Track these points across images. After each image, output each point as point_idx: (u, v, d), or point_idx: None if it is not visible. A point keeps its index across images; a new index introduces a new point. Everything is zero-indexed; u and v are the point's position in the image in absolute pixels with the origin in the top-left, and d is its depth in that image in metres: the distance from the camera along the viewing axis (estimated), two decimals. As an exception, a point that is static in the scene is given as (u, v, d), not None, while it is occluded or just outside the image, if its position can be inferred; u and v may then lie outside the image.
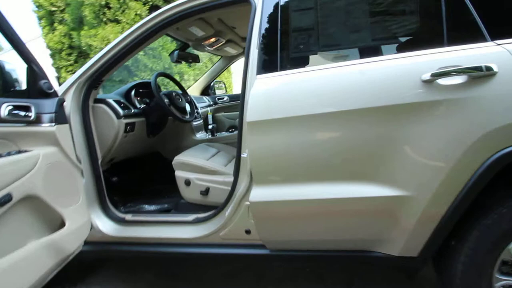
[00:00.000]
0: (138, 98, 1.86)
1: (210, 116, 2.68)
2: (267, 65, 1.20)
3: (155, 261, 1.91)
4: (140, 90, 1.88)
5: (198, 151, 1.84)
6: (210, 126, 2.26)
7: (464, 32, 1.06)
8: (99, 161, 1.58)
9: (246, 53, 1.28)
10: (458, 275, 1.12)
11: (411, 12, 1.11)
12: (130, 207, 1.79)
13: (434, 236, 1.12)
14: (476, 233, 1.06)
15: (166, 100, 1.76)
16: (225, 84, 3.16)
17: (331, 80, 1.10)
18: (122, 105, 1.67)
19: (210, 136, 2.29)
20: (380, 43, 1.15)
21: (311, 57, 1.20)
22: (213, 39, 2.04)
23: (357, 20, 1.14)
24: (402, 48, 1.13)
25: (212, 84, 2.95)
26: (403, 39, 1.15)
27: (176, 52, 2.03)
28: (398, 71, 1.06)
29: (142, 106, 1.83)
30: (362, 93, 1.06)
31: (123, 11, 5.77)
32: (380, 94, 1.05)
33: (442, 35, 1.05)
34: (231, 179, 1.56)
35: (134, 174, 2.08)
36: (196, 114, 2.13)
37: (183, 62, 2.20)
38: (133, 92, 1.82)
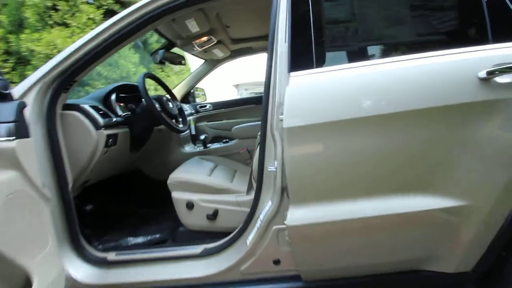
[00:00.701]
0: (121, 104, 1.51)
1: (193, 126, 2.38)
2: (301, 60, 1.01)
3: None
4: (121, 95, 1.53)
5: (195, 166, 1.55)
6: (202, 137, 1.97)
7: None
8: (69, 186, 1.20)
9: (270, 47, 1.08)
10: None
11: (459, 6, 1.03)
12: (110, 242, 1.41)
13: (491, 247, 1.01)
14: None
15: (157, 106, 1.45)
16: (204, 92, 2.88)
17: (383, 78, 0.94)
18: (101, 112, 1.32)
19: (201, 148, 2.00)
20: (426, 38, 1.04)
21: (351, 52, 1.04)
22: (205, 38, 1.79)
23: (403, 12, 1.02)
24: (450, 44, 1.03)
25: (192, 91, 2.65)
26: (451, 35, 1.06)
27: (161, 51, 1.73)
28: (453, 68, 0.96)
29: (125, 113, 1.48)
30: (421, 92, 0.92)
31: (73, 14, 5.21)
32: (440, 93, 0.93)
33: (488, 31, 0.98)
34: (245, 198, 1.32)
35: (111, 199, 1.69)
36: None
37: (166, 64, 1.91)
38: (113, 97, 1.47)
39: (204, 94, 2.86)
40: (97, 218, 1.49)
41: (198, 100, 2.80)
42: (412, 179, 0.97)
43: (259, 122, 2.15)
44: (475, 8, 1.02)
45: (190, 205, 1.31)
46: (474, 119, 0.94)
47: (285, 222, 1.00)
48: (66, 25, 5.07)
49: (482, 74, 0.92)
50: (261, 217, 1.12)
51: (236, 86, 13.33)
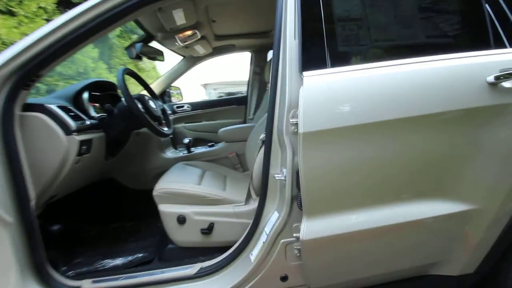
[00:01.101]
0: (96, 104, 1.29)
1: (170, 128, 2.18)
2: (315, 59, 0.93)
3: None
4: (93, 93, 1.31)
5: (181, 175, 1.40)
6: (186, 140, 1.79)
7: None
8: (32, 204, 0.98)
9: (276, 45, 0.98)
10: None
11: (469, 11, 1.02)
12: (83, 266, 1.20)
13: (493, 249, 1.04)
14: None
15: (140, 106, 1.26)
16: (181, 91, 2.68)
17: (402, 80, 0.90)
18: (71, 114, 1.11)
19: (185, 152, 1.82)
20: (436, 41, 1.02)
21: (370, 51, 0.98)
22: (189, 32, 1.63)
23: (416, 13, 0.99)
24: (459, 47, 1.02)
25: (168, 90, 2.45)
26: (461, 38, 1.05)
27: (139, 45, 1.53)
28: (463, 72, 0.95)
29: (100, 115, 1.27)
30: (436, 95, 0.90)
31: (21, 1, 4.64)
32: (452, 97, 0.91)
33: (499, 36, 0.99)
34: (244, 208, 1.21)
35: (81, 214, 1.46)
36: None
37: (143, 59, 1.70)
38: (86, 96, 1.25)
39: (180, 94, 2.67)
40: (65, 239, 1.26)
41: (173, 100, 2.60)
42: (428, 184, 0.95)
43: (248, 124, 2.07)
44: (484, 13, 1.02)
45: (181, 219, 1.16)
46: (484, 123, 0.94)
47: (300, 236, 0.91)
48: (11, 13, 4.48)
49: (491, 78, 0.92)
50: (267, 230, 1.02)
51: (205, 85, 12.99)
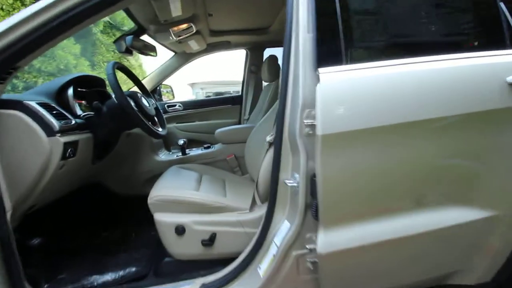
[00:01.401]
0: (82, 102, 1.16)
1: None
2: (332, 54, 0.85)
3: None
4: (79, 89, 1.17)
5: (177, 179, 1.28)
6: (180, 142, 1.67)
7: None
8: (7, 215, 0.85)
9: (287, 39, 0.89)
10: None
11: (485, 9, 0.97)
12: (67, 284, 1.07)
13: (511, 257, 1.00)
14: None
15: (132, 104, 1.13)
16: (172, 89, 2.55)
17: (424, 79, 0.84)
18: (55, 112, 0.97)
19: (179, 154, 1.70)
20: (456, 39, 0.96)
21: (382, 47, 0.91)
22: (184, 25, 1.51)
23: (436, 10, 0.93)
24: (479, 46, 0.97)
25: (158, 88, 2.31)
26: (480, 37, 1.00)
27: (129, 38, 1.39)
28: (481, 72, 0.90)
29: (86, 113, 1.14)
30: (458, 95, 0.84)
31: None
32: (473, 98, 0.86)
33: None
34: (248, 216, 1.11)
35: (64, 224, 1.31)
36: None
37: (134, 53, 1.57)
38: (70, 92, 1.11)
39: (172, 92, 2.54)
40: (46, 253, 1.12)
41: (164, 99, 2.47)
42: (451, 190, 0.89)
43: (247, 125, 1.97)
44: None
45: (180, 230, 1.05)
46: (505, 125, 0.89)
47: (316, 248, 0.83)
48: (-18, 4, 4.20)
49: (510, 79, 0.88)
50: (277, 241, 0.93)
51: (191, 85, 12.76)
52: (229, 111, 2.44)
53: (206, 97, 8.45)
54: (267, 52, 2.43)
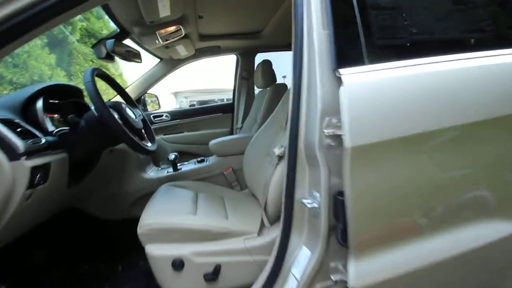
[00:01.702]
0: (55, 116, 0.97)
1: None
2: (354, 53, 0.73)
3: None
4: (50, 101, 0.99)
5: (171, 201, 1.12)
6: (171, 156, 1.49)
7: None
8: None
9: (298, 37, 0.77)
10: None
11: None
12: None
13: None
14: None
15: (116, 116, 0.96)
16: (158, 98, 2.37)
17: (463, 78, 0.73)
18: (19, 130, 0.79)
19: (170, 171, 1.52)
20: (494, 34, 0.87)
21: (412, 44, 0.81)
22: (172, 28, 1.37)
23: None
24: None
25: (143, 97, 2.14)
26: None
27: (110, 42, 1.22)
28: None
29: (59, 129, 0.95)
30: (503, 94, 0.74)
31: None
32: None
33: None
34: (256, 241, 0.97)
35: (37, 253, 1.11)
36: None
37: (114, 62, 1.39)
38: (39, 105, 0.92)
39: (158, 102, 2.36)
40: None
41: (149, 109, 2.29)
42: (493, 202, 0.79)
43: (243, 135, 1.82)
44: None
45: (178, 264, 0.88)
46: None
47: (348, 281, 0.69)
48: None
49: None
50: (297, 273, 0.79)
51: (175, 94, 12.49)
52: (220, 120, 2.29)
53: (190, 106, 8.23)
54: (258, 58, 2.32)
